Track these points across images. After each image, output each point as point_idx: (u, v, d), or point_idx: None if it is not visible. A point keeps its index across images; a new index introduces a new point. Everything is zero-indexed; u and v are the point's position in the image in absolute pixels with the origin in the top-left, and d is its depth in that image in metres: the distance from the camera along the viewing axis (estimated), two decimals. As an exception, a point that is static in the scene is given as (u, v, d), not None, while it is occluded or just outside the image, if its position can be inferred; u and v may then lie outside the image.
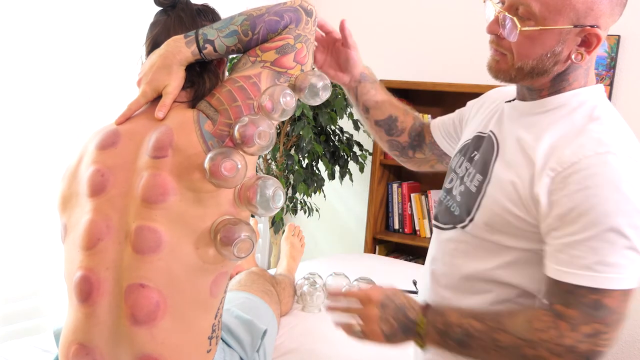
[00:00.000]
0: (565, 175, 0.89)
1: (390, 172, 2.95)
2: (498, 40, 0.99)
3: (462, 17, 2.70)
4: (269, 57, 1.12)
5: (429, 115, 2.74)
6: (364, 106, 1.36)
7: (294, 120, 2.62)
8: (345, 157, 2.80)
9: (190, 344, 1.08)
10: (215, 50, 1.11)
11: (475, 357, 0.95)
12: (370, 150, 2.86)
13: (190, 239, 1.04)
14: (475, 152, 1.07)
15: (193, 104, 1.13)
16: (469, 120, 1.24)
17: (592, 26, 0.92)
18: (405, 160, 1.43)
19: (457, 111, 1.33)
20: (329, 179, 2.78)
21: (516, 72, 0.98)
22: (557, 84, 0.98)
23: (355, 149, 2.85)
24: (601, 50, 2.42)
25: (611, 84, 2.43)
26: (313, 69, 1.21)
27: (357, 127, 2.80)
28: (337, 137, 2.82)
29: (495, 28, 0.97)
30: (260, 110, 1.07)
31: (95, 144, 1.11)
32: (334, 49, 1.32)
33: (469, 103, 1.29)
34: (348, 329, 1.03)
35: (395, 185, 2.90)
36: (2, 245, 2.00)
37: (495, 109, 1.13)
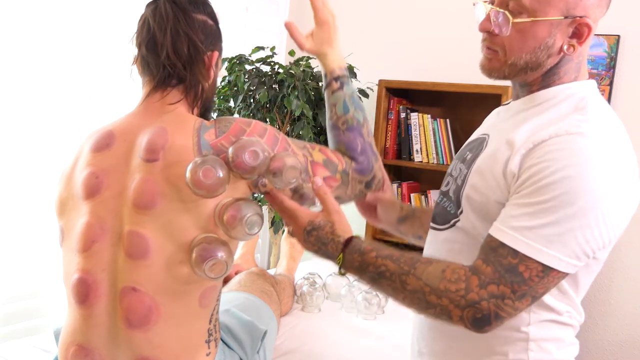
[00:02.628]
0: (534, 150, 0.91)
1: (390, 172, 2.94)
2: (490, 37, 1.00)
3: (462, 17, 2.70)
4: (316, 157, 1.14)
5: (429, 116, 2.74)
6: (418, 236, 1.30)
7: (294, 120, 2.62)
8: (345, 157, 2.80)
9: (188, 347, 1.08)
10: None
11: (388, 295, 0.98)
12: (370, 150, 2.86)
13: (174, 249, 1.03)
14: (468, 153, 1.09)
15: (193, 102, 1.12)
16: None
17: (581, 16, 0.93)
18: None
19: None
20: (329, 179, 2.77)
21: (509, 68, 0.99)
22: (548, 78, 1.00)
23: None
24: (601, 50, 2.42)
25: (611, 84, 2.43)
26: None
27: (357, 127, 2.80)
28: (337, 137, 2.81)
29: (487, 25, 0.98)
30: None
31: (90, 146, 1.11)
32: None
33: None
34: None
35: (395, 185, 2.90)
36: (2, 246, 2.00)
37: (494, 114, 1.15)
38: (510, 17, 0.94)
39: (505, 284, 0.87)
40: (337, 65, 1.24)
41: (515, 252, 0.87)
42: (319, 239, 1.04)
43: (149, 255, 1.02)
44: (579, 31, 0.95)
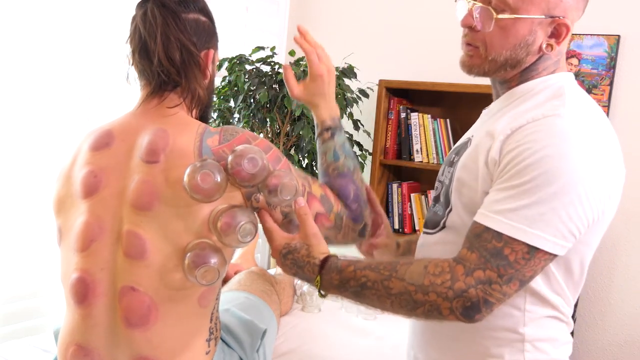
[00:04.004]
0: (512, 136, 0.91)
1: (390, 172, 2.94)
2: (472, 33, 1.01)
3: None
4: (314, 191, 1.13)
5: (429, 116, 2.74)
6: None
7: (294, 120, 2.62)
8: (345, 157, 2.80)
9: (188, 347, 1.08)
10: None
11: (374, 307, 0.96)
12: (370, 150, 2.86)
13: (170, 252, 1.03)
14: (455, 156, 1.09)
15: (191, 105, 1.12)
16: None
17: (561, 17, 0.95)
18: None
19: None
20: (329, 179, 2.77)
21: (489, 64, 1.00)
22: (526, 74, 1.01)
23: (355, 149, 2.85)
24: (601, 50, 2.42)
25: (611, 84, 2.42)
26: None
27: (356, 127, 2.80)
28: (337, 137, 2.81)
29: (469, 21, 0.99)
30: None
31: (88, 144, 1.11)
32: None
33: None
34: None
35: (395, 185, 2.90)
36: (2, 246, 2.00)
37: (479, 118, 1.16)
38: (494, 13, 0.96)
39: (492, 268, 0.87)
40: (329, 115, 1.22)
41: (499, 235, 0.87)
42: (295, 262, 1.02)
43: (146, 256, 1.02)
44: (557, 31, 0.97)
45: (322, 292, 0.99)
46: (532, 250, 0.86)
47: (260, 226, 1.07)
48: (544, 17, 0.95)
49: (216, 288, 1.11)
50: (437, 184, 1.14)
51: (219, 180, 0.99)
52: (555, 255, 0.89)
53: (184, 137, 1.05)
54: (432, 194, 1.17)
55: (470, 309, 0.87)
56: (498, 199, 0.89)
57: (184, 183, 0.99)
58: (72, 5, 2.08)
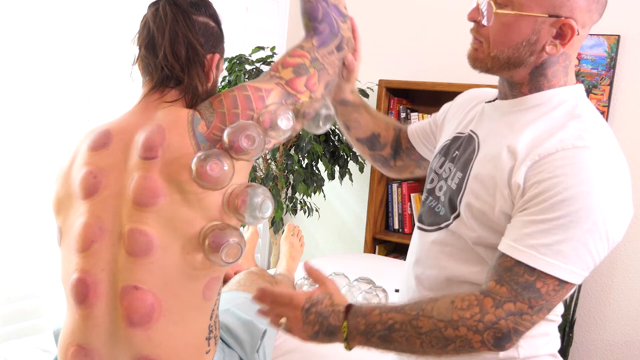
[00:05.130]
0: (541, 164, 0.90)
1: (390, 172, 2.94)
2: (477, 27, 1.01)
3: (462, 17, 2.69)
4: (286, 75, 1.12)
5: (429, 116, 2.74)
6: (345, 125, 1.35)
7: (294, 120, 2.62)
8: (345, 157, 2.80)
9: (188, 345, 1.08)
10: None
11: (403, 351, 0.95)
12: (370, 150, 2.86)
13: (180, 243, 1.03)
14: (457, 152, 1.08)
15: (190, 103, 1.12)
16: (446, 123, 1.24)
17: (566, 17, 0.93)
18: (387, 170, 1.42)
19: (431, 116, 1.34)
20: (329, 179, 2.78)
21: (492, 61, 1.00)
22: (535, 79, 1.00)
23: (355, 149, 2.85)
24: (601, 50, 2.42)
25: (611, 84, 2.42)
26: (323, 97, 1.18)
27: (357, 127, 2.80)
28: (336, 137, 2.82)
29: (475, 14, 1.00)
30: (258, 123, 1.06)
31: (87, 144, 1.11)
32: None
33: (444, 106, 1.30)
34: (275, 322, 1.03)
35: (395, 185, 2.90)
36: (2, 246, 2.00)
37: (475, 110, 1.13)
38: (494, 7, 0.95)
39: (523, 300, 0.88)
40: None
41: (532, 270, 0.88)
42: (320, 314, 0.97)
43: (153, 252, 1.02)
44: (562, 32, 0.95)
45: (348, 342, 0.96)
46: (563, 283, 0.88)
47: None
48: (547, 16, 0.93)
49: (219, 279, 1.12)
50: (432, 175, 1.13)
51: (226, 168, 1.01)
52: (577, 284, 0.91)
53: (178, 129, 1.06)
54: (426, 183, 1.16)
55: (501, 340, 0.88)
56: (529, 233, 0.89)
57: (192, 175, 1.01)
58: (72, 6, 2.08)
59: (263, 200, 1.03)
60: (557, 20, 0.94)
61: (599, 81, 2.43)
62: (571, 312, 2.44)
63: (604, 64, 2.43)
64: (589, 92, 2.45)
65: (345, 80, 1.27)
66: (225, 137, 1.03)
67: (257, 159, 1.05)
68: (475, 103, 1.15)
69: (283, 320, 1.01)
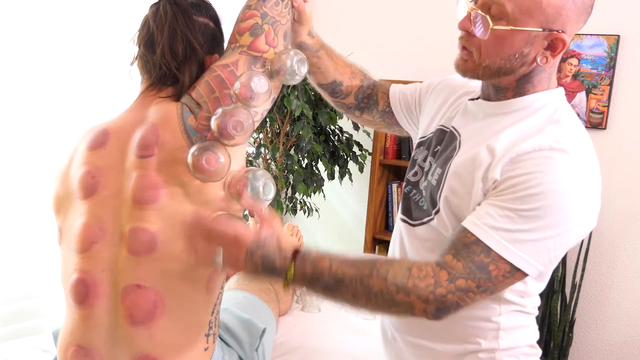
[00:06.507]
0: (518, 160, 0.94)
1: (390, 172, 2.94)
2: (468, 37, 1.00)
3: (462, 17, 2.69)
4: (245, 41, 1.11)
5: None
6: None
7: (294, 120, 2.62)
8: (345, 157, 2.80)
9: (188, 342, 1.08)
10: None
11: (343, 302, 0.95)
12: (370, 150, 2.86)
13: (183, 237, 1.03)
14: (438, 147, 1.10)
15: (178, 97, 1.12)
16: (429, 102, 1.24)
17: (559, 31, 0.95)
18: (351, 117, 1.42)
19: (416, 87, 1.33)
20: (329, 179, 2.78)
21: (483, 70, 1.00)
22: (522, 86, 1.01)
23: (355, 148, 2.85)
24: (601, 50, 2.42)
25: (611, 84, 2.42)
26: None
27: (356, 127, 2.80)
28: (336, 137, 2.82)
29: (467, 24, 0.99)
30: (238, 99, 1.05)
31: (85, 144, 1.11)
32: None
33: (430, 84, 1.30)
34: (207, 256, 0.98)
35: (395, 185, 2.90)
36: (2, 246, 2.00)
37: (458, 103, 1.14)
38: (491, 23, 0.95)
39: (473, 279, 0.91)
40: None
41: (488, 251, 0.91)
42: (265, 257, 0.94)
43: (156, 249, 1.03)
44: (554, 44, 0.96)
45: (290, 284, 0.94)
46: (514, 270, 0.92)
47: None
48: (541, 30, 0.94)
49: (222, 273, 1.12)
50: (416, 167, 1.14)
51: (222, 160, 1.02)
52: (527, 275, 0.94)
53: (170, 125, 1.06)
54: (407, 173, 1.16)
55: (441, 311, 0.92)
56: (494, 216, 0.92)
57: (190, 169, 1.01)
58: (73, 6, 2.08)
59: (264, 182, 1.03)
60: (550, 34, 0.95)
61: (598, 81, 2.43)
62: (571, 312, 2.44)
63: (603, 64, 2.43)
64: (588, 92, 2.45)
65: (298, 24, 1.24)
66: (213, 127, 1.03)
67: (251, 140, 1.06)
68: (460, 94, 1.15)
69: (219, 258, 0.96)
